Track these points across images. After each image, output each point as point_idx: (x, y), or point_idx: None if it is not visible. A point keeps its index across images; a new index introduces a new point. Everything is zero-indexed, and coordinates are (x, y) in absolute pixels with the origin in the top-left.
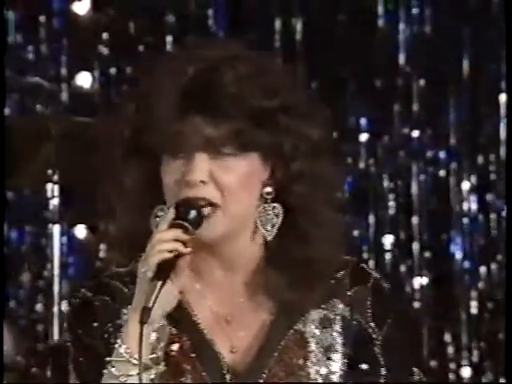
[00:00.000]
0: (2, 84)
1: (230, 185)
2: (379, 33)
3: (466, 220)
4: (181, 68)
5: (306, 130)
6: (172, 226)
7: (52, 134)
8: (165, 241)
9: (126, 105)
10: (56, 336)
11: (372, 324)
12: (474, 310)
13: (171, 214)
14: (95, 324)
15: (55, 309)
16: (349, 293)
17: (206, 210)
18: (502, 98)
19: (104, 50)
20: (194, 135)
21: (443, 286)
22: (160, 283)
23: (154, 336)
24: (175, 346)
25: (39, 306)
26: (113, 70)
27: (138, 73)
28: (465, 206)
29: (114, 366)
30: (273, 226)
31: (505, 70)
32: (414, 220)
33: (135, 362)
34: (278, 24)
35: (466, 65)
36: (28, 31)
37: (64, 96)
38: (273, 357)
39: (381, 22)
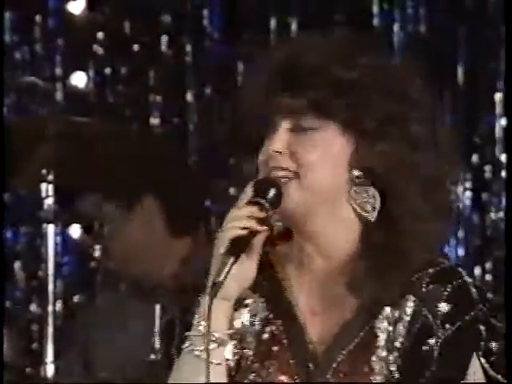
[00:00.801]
0: (1, 84)
1: (308, 156)
2: (374, 32)
3: (460, 220)
4: (269, 57)
5: (391, 108)
6: (249, 203)
7: (47, 133)
8: (239, 218)
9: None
10: (51, 336)
11: (438, 321)
12: None
13: (249, 191)
14: None
15: (50, 308)
16: (424, 289)
17: (283, 180)
18: (498, 97)
19: (99, 50)
20: (276, 108)
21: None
22: (232, 259)
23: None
24: (268, 329)
25: (34, 306)
26: (108, 70)
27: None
28: (459, 206)
29: (190, 341)
30: (374, 208)
31: (500, 69)
32: None
33: (210, 336)
34: (273, 23)
35: (461, 64)
36: (23, 31)
37: (59, 96)
38: (343, 352)
39: (376, 22)
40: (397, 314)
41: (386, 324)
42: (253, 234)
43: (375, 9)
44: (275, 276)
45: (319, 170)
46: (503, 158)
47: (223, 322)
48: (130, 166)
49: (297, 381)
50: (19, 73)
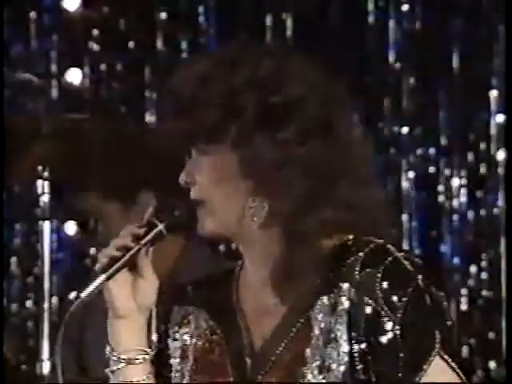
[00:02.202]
0: (1, 83)
1: (206, 183)
2: (369, 30)
3: (455, 217)
4: (165, 85)
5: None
6: (146, 223)
7: (42, 130)
8: (119, 237)
9: None
10: (46, 333)
11: (385, 307)
12: (463, 306)
13: (148, 212)
14: None
15: (45, 305)
16: (357, 276)
17: (188, 210)
18: (493, 94)
19: (94, 47)
20: (178, 133)
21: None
22: (103, 277)
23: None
24: (208, 339)
25: (29, 303)
26: (103, 67)
27: None
28: (455, 203)
29: (106, 364)
30: (258, 216)
31: (495, 66)
32: (404, 217)
33: (113, 357)
34: (268, 20)
35: (456, 61)
36: (18, 27)
37: (54, 92)
38: (282, 343)
39: (371, 19)
40: (332, 303)
41: (321, 315)
42: (125, 251)
43: (370, 6)
44: (232, 283)
45: (217, 194)
46: (498, 155)
47: (129, 340)
48: (126, 162)
49: (231, 380)
50: (14, 69)
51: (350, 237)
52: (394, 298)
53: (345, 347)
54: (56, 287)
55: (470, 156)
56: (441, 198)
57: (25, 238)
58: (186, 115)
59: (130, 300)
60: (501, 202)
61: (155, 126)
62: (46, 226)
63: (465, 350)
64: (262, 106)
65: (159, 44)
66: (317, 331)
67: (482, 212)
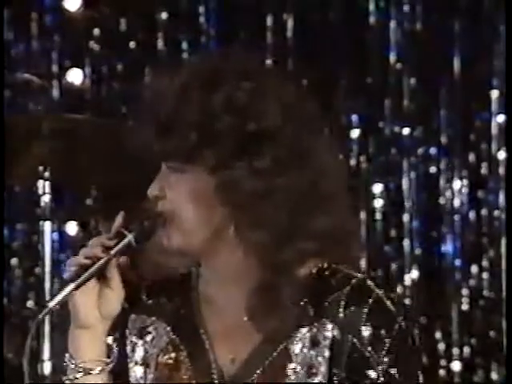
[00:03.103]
0: (1, 83)
1: (179, 199)
2: (370, 30)
3: (457, 217)
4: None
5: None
6: (116, 233)
7: (43, 130)
8: (88, 246)
9: None
10: (47, 333)
11: (369, 348)
12: (464, 307)
13: (117, 221)
14: None
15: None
16: (341, 314)
17: (155, 223)
18: (494, 94)
19: (95, 47)
20: (153, 149)
21: (434, 283)
22: (71, 286)
23: (108, 340)
24: (172, 355)
25: (30, 303)
26: (104, 67)
27: None
28: (456, 203)
29: (65, 373)
30: (234, 243)
31: (495, 66)
32: (405, 217)
33: (72, 366)
34: (269, 21)
35: (456, 62)
36: (19, 28)
37: (55, 92)
38: (257, 371)
39: (372, 20)
40: (312, 336)
41: (300, 346)
42: (102, 261)
43: (371, 6)
44: (189, 298)
45: (189, 211)
46: (499, 155)
47: (90, 350)
48: (127, 163)
49: None
50: (15, 70)
51: (325, 265)
52: (379, 339)
53: (324, 382)
54: (57, 287)
55: (471, 156)
56: (442, 199)
57: (26, 238)
58: (162, 133)
59: (94, 310)
60: (502, 202)
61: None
62: (47, 226)
63: (466, 350)
64: (239, 133)
65: (160, 44)
66: (295, 364)
67: (483, 212)
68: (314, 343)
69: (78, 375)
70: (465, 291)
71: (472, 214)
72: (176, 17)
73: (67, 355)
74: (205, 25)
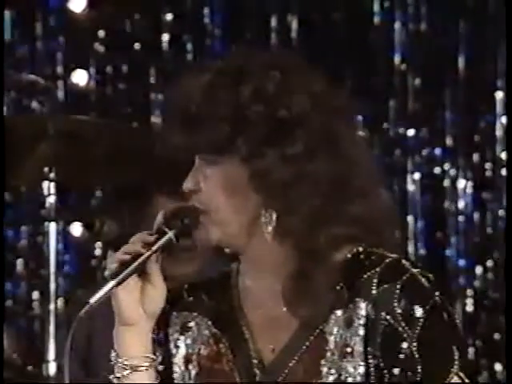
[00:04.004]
0: (1, 82)
1: (213, 193)
2: (375, 30)
3: (461, 218)
4: (168, 95)
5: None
6: (156, 230)
7: (48, 131)
8: (129, 242)
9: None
10: (52, 334)
11: (403, 323)
12: (469, 308)
13: (159, 218)
14: None
15: (51, 307)
16: (374, 292)
17: (194, 219)
18: (498, 95)
19: (100, 48)
20: (184, 145)
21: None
22: (112, 283)
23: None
24: (213, 347)
25: (35, 304)
26: (109, 68)
27: None
28: (460, 204)
29: (111, 370)
30: (271, 230)
31: (500, 67)
32: (409, 218)
33: (119, 364)
34: (274, 21)
35: (461, 62)
36: (24, 29)
37: (60, 94)
38: (295, 356)
39: (377, 20)
40: (347, 317)
41: (336, 328)
42: (143, 258)
43: (376, 7)
44: (229, 293)
45: (224, 204)
46: (504, 156)
47: (136, 347)
48: (132, 164)
49: None
50: (20, 71)
51: (360, 249)
52: (412, 315)
53: (361, 362)
54: (62, 288)
55: (476, 157)
56: (446, 200)
57: (31, 239)
58: (193, 127)
59: (137, 307)
60: (506, 203)
61: (160, 132)
62: (52, 227)
63: (470, 352)
64: (270, 120)
65: (165, 45)
66: (332, 345)
67: (488, 213)
68: (349, 323)
69: (125, 372)
70: (469, 292)
71: (476, 215)
72: (181, 18)
73: (113, 353)
74: (210, 26)
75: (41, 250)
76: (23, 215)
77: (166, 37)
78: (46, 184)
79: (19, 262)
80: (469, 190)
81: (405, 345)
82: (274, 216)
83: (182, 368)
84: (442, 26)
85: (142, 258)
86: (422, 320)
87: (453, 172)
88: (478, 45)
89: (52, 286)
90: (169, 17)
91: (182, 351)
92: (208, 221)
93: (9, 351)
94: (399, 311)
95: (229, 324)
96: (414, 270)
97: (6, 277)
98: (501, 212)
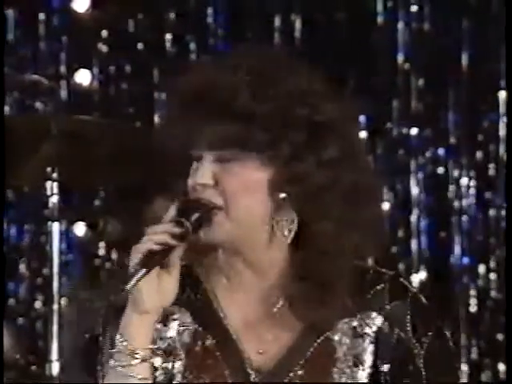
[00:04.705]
0: (2, 82)
1: (233, 189)
2: (378, 30)
3: (464, 217)
4: (191, 76)
5: (303, 136)
6: (171, 222)
7: (51, 131)
8: (155, 232)
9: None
10: (55, 334)
11: (413, 340)
12: (472, 307)
13: (172, 211)
14: None
15: (54, 306)
16: (388, 307)
17: (207, 213)
18: (502, 95)
19: (103, 48)
20: (199, 138)
21: (442, 283)
22: (143, 272)
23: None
24: (199, 342)
25: (38, 304)
26: (112, 68)
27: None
28: (464, 204)
29: (113, 358)
30: (290, 231)
31: (504, 67)
32: (413, 217)
33: (128, 352)
34: (277, 21)
35: (465, 62)
36: (27, 28)
37: (63, 93)
38: (300, 360)
39: (380, 20)
40: (356, 326)
41: (344, 337)
42: (167, 249)
43: (379, 7)
44: (202, 289)
45: (244, 204)
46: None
47: (145, 337)
48: (135, 164)
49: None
50: (23, 71)
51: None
52: (421, 332)
53: (368, 372)
54: (65, 288)
55: (479, 156)
56: (450, 199)
57: (34, 238)
58: (224, 120)
59: (155, 296)
60: (506, 203)
61: (163, 126)
62: (55, 226)
63: (473, 352)
64: (309, 124)
65: (168, 45)
66: (340, 353)
67: (491, 212)
68: (358, 334)
69: (134, 362)
70: (472, 292)
71: (480, 215)
72: (184, 18)
73: (123, 341)
74: (213, 25)
75: (44, 250)
76: (26, 215)
77: (169, 37)
78: (49, 184)
79: (22, 262)
80: (472, 190)
81: (414, 361)
82: (296, 220)
83: (166, 359)
84: (445, 26)
85: (175, 250)
86: (429, 338)
87: (456, 171)
88: (481, 44)
89: (55, 285)
90: (172, 17)
91: (166, 343)
92: (221, 217)
93: (11, 351)
94: (409, 328)
95: (211, 322)
96: (413, 289)
97: (8, 277)
98: (503, 211)
